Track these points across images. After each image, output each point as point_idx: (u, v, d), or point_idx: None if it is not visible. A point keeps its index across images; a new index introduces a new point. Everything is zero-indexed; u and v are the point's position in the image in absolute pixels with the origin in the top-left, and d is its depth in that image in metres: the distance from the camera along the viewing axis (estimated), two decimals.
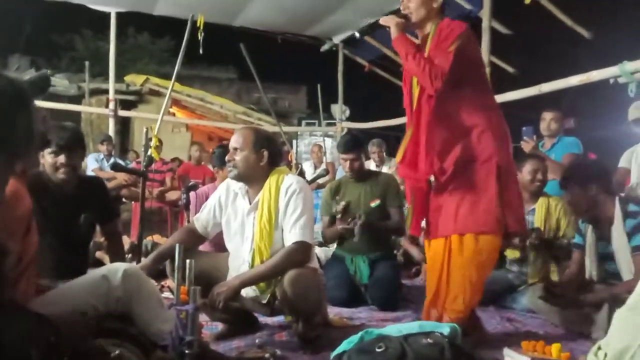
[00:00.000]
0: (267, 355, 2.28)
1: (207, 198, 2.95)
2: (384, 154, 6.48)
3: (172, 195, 6.44)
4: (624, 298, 1.36)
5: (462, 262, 2.40)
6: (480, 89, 2.52)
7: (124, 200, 6.38)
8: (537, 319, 3.13)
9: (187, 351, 1.84)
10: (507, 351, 2.34)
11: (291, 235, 2.44)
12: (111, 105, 8.31)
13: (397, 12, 2.56)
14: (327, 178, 5.82)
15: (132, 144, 11.35)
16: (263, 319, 2.88)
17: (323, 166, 6.98)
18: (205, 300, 2.30)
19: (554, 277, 3.35)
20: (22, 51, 15.36)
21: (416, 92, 2.46)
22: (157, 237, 5.03)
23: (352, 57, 8.99)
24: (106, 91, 9.37)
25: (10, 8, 10.95)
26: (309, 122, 13.61)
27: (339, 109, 9.43)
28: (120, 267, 1.90)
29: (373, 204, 3.67)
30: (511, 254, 3.43)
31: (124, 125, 11.28)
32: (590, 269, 2.91)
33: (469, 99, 2.45)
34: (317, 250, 3.82)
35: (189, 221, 3.80)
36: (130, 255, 4.09)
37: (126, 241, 4.59)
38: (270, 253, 2.45)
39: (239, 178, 2.56)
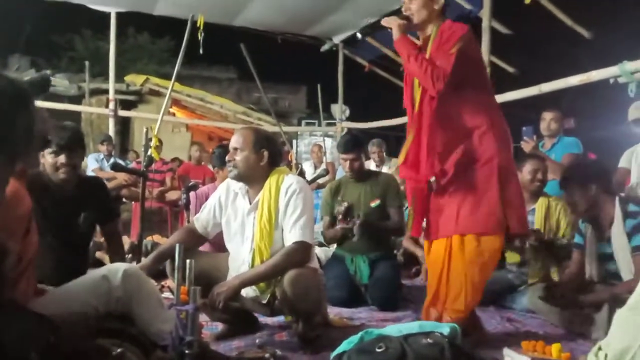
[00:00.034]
0: (267, 355, 2.28)
1: (207, 198, 2.95)
2: (384, 154, 6.48)
3: (172, 195, 6.44)
4: (624, 298, 1.36)
5: (463, 262, 2.40)
6: (482, 90, 2.53)
7: (124, 200, 6.38)
8: (537, 319, 3.13)
9: (187, 351, 1.84)
10: (507, 351, 2.34)
11: (291, 235, 2.44)
12: (111, 105, 8.31)
13: (396, 13, 2.56)
14: (327, 178, 5.82)
15: (132, 144, 11.35)
16: (263, 319, 2.88)
17: (323, 166, 6.97)
18: (205, 300, 2.30)
19: (554, 277, 3.35)
20: (22, 51, 15.37)
21: (418, 94, 2.47)
22: (157, 237, 5.03)
23: (352, 57, 8.99)
24: (106, 91, 9.37)
25: (10, 8, 10.95)
26: (309, 122, 13.62)
27: (339, 109, 9.44)
28: (120, 267, 1.90)
29: (373, 204, 3.67)
30: (511, 257, 3.43)
31: (124, 126, 11.28)
32: (590, 269, 2.91)
33: (471, 101, 2.46)
34: (317, 250, 3.82)
35: (189, 221, 3.80)
36: (130, 256, 4.08)
37: (126, 241, 4.59)
38: (270, 253, 2.44)
39: (239, 178, 2.56)
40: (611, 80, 4.51)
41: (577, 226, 3.05)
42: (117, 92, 9.07)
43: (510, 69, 7.45)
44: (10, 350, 1.29)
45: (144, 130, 3.96)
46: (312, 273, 2.47)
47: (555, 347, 2.32)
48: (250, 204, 2.56)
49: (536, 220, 3.43)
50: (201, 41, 5.28)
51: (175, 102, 12.01)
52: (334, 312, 3.20)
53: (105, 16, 7.97)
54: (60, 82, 12.00)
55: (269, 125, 10.40)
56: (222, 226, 2.66)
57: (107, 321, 1.81)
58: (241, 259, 2.54)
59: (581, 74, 4.85)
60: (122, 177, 5.94)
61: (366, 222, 3.56)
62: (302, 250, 2.43)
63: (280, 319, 2.85)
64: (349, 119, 9.76)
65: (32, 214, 1.69)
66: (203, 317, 2.64)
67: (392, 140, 8.62)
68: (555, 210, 3.44)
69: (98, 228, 2.93)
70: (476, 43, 2.63)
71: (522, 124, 4.06)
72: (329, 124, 9.57)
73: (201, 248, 2.89)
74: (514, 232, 2.48)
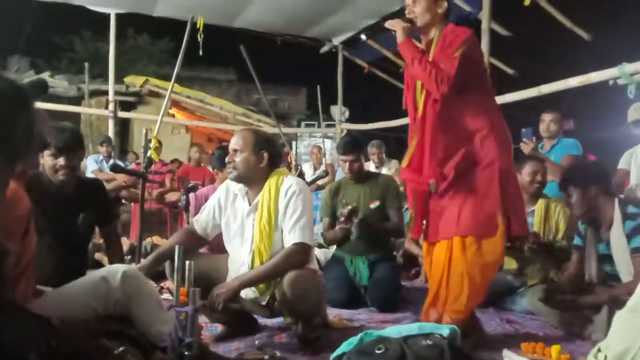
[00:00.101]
0: (266, 356, 2.28)
1: (206, 199, 2.95)
2: (384, 155, 6.48)
3: (171, 197, 6.43)
4: (623, 300, 1.36)
5: (464, 264, 2.40)
6: (483, 93, 2.55)
7: (123, 201, 6.37)
8: (536, 320, 3.13)
9: (186, 353, 1.83)
10: (506, 353, 2.34)
11: (291, 237, 2.44)
12: (111, 106, 8.32)
13: (396, 14, 2.57)
14: (326, 179, 5.82)
15: (132, 145, 11.34)
16: (262, 321, 2.88)
17: (322, 167, 6.97)
18: (204, 302, 2.30)
19: (554, 278, 3.34)
20: (21, 52, 15.36)
21: (420, 98, 2.48)
22: (156, 239, 5.03)
23: (351, 58, 9.00)
24: (106, 92, 9.38)
25: (10, 9, 10.95)
26: (309, 124, 13.59)
27: (338, 111, 9.44)
28: (119, 268, 1.90)
29: (372, 206, 3.67)
30: (507, 263, 3.42)
31: (123, 127, 11.28)
32: (590, 270, 2.90)
33: (473, 104, 2.48)
34: (317, 251, 3.82)
35: (188, 222, 3.80)
36: (129, 257, 4.09)
37: (125, 242, 4.60)
38: (270, 254, 2.44)
39: (238, 179, 2.56)
40: (610, 82, 4.52)
41: (576, 228, 3.05)
42: (116, 93, 9.07)
43: (509, 71, 7.46)
44: (9, 350, 1.29)
45: (144, 131, 3.96)
46: (311, 274, 2.46)
47: (554, 349, 2.32)
48: (250, 205, 2.56)
49: (535, 221, 3.43)
50: (201, 42, 5.28)
51: (175, 104, 12.01)
52: (334, 314, 3.20)
53: (105, 17, 7.97)
54: (59, 83, 12.00)
55: (268, 126, 10.40)
56: (221, 227, 2.66)
57: (107, 323, 1.81)
58: (241, 260, 2.54)
59: (581, 75, 4.85)
60: (121, 178, 5.93)
61: (365, 222, 3.56)
62: (301, 252, 2.43)
63: (279, 320, 2.85)
64: (349, 120, 9.76)
65: (31, 215, 1.69)
66: (202, 319, 2.64)
67: (392, 142, 8.61)
68: (555, 211, 3.44)
69: (97, 229, 2.93)
70: (479, 47, 2.64)
71: (521, 126, 4.06)
72: (328, 126, 9.57)
73: (199, 250, 2.89)
74: (514, 234, 2.49)
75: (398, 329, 2.04)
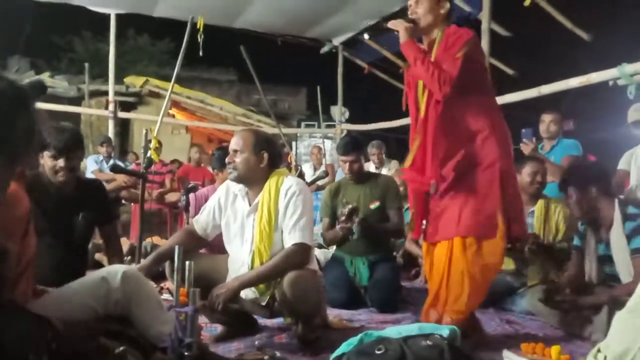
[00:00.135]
0: (266, 357, 2.28)
1: (206, 200, 2.95)
2: (384, 155, 6.48)
3: (171, 197, 6.44)
4: (623, 300, 1.36)
5: (465, 264, 2.41)
6: (484, 94, 2.56)
7: (123, 201, 6.38)
8: (536, 321, 3.13)
9: (186, 353, 1.83)
10: (506, 353, 2.34)
11: (291, 237, 2.44)
12: (111, 107, 8.32)
13: (396, 15, 2.57)
14: (326, 180, 5.82)
15: (132, 145, 11.35)
16: (262, 321, 2.88)
17: (322, 168, 6.97)
18: (204, 302, 2.30)
19: (553, 279, 3.34)
20: (21, 52, 15.37)
21: (422, 99, 2.48)
22: (156, 239, 5.03)
23: (351, 59, 9.00)
24: (106, 93, 9.38)
25: (10, 9, 10.96)
26: (309, 124, 13.59)
27: (338, 111, 9.44)
28: (119, 269, 1.90)
29: (372, 206, 3.67)
30: (505, 264, 3.41)
31: (123, 127, 11.28)
32: (590, 271, 2.90)
33: (474, 105, 2.49)
34: (317, 252, 3.82)
35: (188, 223, 3.80)
36: (129, 257, 4.08)
37: (125, 243, 4.60)
38: (270, 255, 2.44)
39: (239, 180, 2.56)
40: (610, 83, 4.52)
41: (576, 228, 3.05)
42: (116, 93, 9.07)
43: (509, 71, 7.46)
44: (9, 350, 1.29)
45: (144, 132, 3.96)
46: (311, 275, 2.47)
47: (554, 349, 2.32)
48: (250, 205, 2.56)
49: (535, 222, 3.43)
50: (201, 43, 5.28)
51: (175, 104, 12.01)
52: (334, 314, 3.20)
53: (105, 18, 7.98)
54: (59, 83, 12.00)
55: (268, 127, 10.41)
56: (221, 228, 2.66)
57: (106, 323, 1.81)
58: (241, 260, 2.54)
59: (581, 76, 4.86)
60: (121, 178, 5.93)
61: (366, 221, 3.56)
62: (301, 252, 2.43)
63: (279, 320, 2.84)
64: (349, 120, 9.76)
65: (30, 215, 1.69)
66: (202, 319, 2.64)
67: (392, 142, 8.61)
68: (555, 212, 3.44)
69: (97, 230, 2.93)
70: (481, 48, 2.66)
71: (521, 126, 4.06)
72: (328, 126, 9.58)
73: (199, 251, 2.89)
74: (514, 235, 2.50)
75: (398, 329, 2.04)
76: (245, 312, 2.69)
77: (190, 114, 12.66)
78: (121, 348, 1.66)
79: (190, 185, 4.54)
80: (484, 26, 5.97)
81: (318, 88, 8.31)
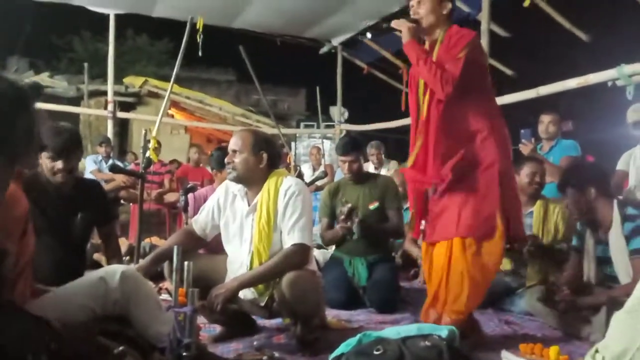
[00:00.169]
0: (265, 357, 2.27)
1: (205, 200, 2.95)
2: (383, 156, 6.47)
3: (170, 197, 6.43)
4: (622, 301, 1.36)
5: (464, 264, 2.41)
6: (485, 94, 2.57)
7: (122, 202, 6.37)
8: (535, 321, 3.13)
9: (184, 353, 1.83)
10: (505, 354, 2.34)
11: (290, 238, 2.44)
12: (110, 107, 8.32)
13: (395, 15, 2.58)
14: (325, 180, 5.82)
15: (131, 145, 11.34)
16: (261, 322, 2.88)
17: (322, 168, 6.97)
18: (203, 302, 2.30)
19: (552, 279, 3.34)
20: (21, 53, 15.38)
21: (423, 100, 2.48)
22: (155, 239, 5.03)
23: (351, 59, 9.01)
24: (105, 93, 9.39)
25: (10, 9, 10.95)
26: (308, 124, 13.61)
27: (337, 111, 9.44)
28: (118, 269, 1.90)
29: (372, 206, 3.67)
30: (503, 265, 3.41)
31: (122, 127, 11.28)
32: (588, 271, 2.91)
33: (475, 105, 2.50)
34: (316, 252, 3.82)
35: (187, 223, 3.80)
36: (128, 257, 4.08)
37: (124, 243, 4.59)
38: (269, 255, 2.44)
39: (238, 180, 2.56)
40: (609, 83, 4.53)
41: (575, 229, 3.05)
42: (115, 93, 9.07)
43: (508, 72, 7.46)
44: (8, 351, 1.29)
45: (143, 132, 3.95)
46: (310, 275, 2.46)
47: (553, 350, 2.32)
48: (249, 205, 2.56)
49: (534, 223, 3.42)
50: (200, 43, 5.29)
51: (174, 104, 12.01)
52: (332, 315, 3.20)
53: (104, 18, 7.98)
54: (59, 83, 12.00)
55: (267, 127, 10.41)
56: (220, 228, 2.66)
57: (105, 323, 1.81)
58: (239, 261, 2.53)
59: (579, 76, 4.86)
60: (120, 178, 5.93)
61: (365, 222, 3.56)
62: (300, 253, 2.43)
63: (278, 321, 2.84)
64: (348, 121, 9.76)
65: (29, 215, 1.69)
66: (201, 319, 2.64)
67: (391, 143, 8.63)
68: (554, 213, 3.44)
69: (96, 230, 2.93)
70: (482, 48, 2.67)
71: (520, 127, 4.07)
72: (327, 126, 9.59)
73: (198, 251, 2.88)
74: (513, 235, 2.51)
75: (397, 329, 2.04)
76: (244, 313, 2.69)
77: (189, 114, 12.66)
78: (120, 348, 1.66)
79: (189, 186, 4.54)
80: (483, 27, 5.98)
81: (317, 88, 8.32)
